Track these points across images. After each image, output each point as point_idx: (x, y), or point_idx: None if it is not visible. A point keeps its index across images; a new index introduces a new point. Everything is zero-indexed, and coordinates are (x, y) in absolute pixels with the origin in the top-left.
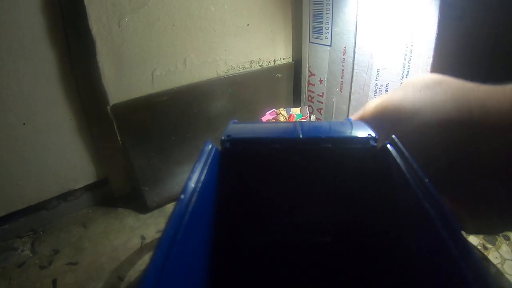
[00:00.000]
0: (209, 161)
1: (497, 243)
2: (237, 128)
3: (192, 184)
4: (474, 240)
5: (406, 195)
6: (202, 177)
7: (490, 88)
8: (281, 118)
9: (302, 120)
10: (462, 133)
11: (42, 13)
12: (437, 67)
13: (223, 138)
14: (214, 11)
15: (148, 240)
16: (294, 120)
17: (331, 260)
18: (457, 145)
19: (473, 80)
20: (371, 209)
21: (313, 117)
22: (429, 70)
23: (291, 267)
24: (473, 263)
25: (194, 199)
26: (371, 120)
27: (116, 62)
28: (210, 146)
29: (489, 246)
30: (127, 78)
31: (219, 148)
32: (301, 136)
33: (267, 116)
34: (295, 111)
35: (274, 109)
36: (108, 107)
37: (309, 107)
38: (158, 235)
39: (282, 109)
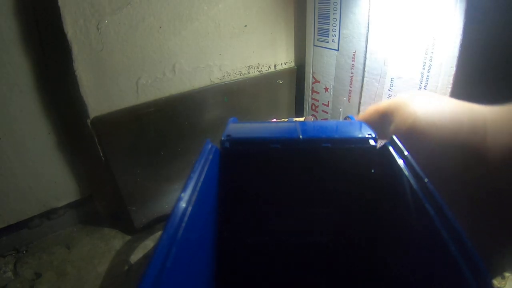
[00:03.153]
0: (209, 161)
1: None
2: (237, 128)
3: (192, 184)
4: None
5: (406, 195)
6: (202, 177)
7: (507, 111)
8: None
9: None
10: (474, 155)
11: (13, 17)
12: (460, 80)
13: (223, 138)
14: (207, 11)
15: (134, 267)
16: None
17: (330, 259)
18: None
19: (502, 94)
20: (370, 209)
21: None
22: (451, 82)
23: (290, 267)
24: (473, 263)
25: (194, 199)
26: (378, 119)
27: (95, 70)
28: (210, 146)
29: (507, 274)
30: (108, 88)
31: (219, 148)
32: (301, 136)
33: None
34: (298, 120)
35: (274, 119)
36: (88, 120)
37: (313, 117)
38: (145, 261)
39: (282, 119)
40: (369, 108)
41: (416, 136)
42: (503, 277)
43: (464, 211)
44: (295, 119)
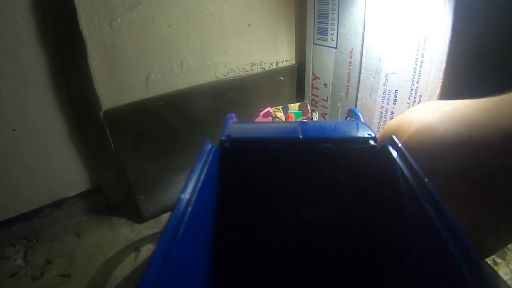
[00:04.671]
0: (209, 161)
1: (507, 257)
2: (237, 128)
3: (192, 184)
4: None
5: (406, 195)
6: (202, 177)
7: (490, 104)
8: (278, 115)
9: (303, 119)
10: (462, 153)
11: (30, 14)
12: (450, 74)
13: (223, 138)
14: (213, 11)
15: (142, 253)
16: (292, 120)
17: (330, 259)
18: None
19: (489, 87)
20: (370, 209)
21: (315, 115)
22: (442, 76)
23: (290, 267)
24: (473, 263)
25: (194, 199)
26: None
27: (108, 65)
28: (210, 146)
29: (499, 260)
30: (120, 82)
31: (219, 148)
32: (300, 136)
33: (261, 118)
34: (294, 108)
35: (269, 108)
36: (101, 113)
37: (313, 112)
38: (152, 248)
39: (277, 109)
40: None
41: (411, 151)
42: (496, 263)
43: (463, 206)
44: (290, 106)
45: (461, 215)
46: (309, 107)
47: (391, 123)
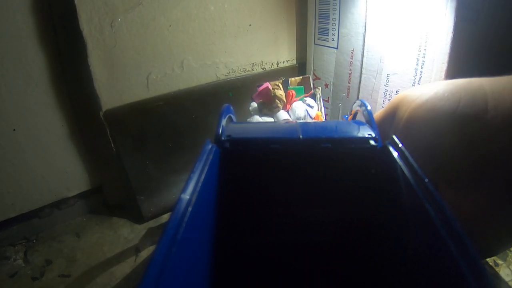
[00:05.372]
0: (209, 161)
1: (508, 258)
2: (237, 128)
3: (192, 184)
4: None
5: (406, 195)
6: (202, 177)
7: (507, 79)
8: (278, 94)
9: (306, 96)
10: (476, 125)
11: (30, 14)
12: (451, 74)
13: (223, 138)
14: (214, 11)
15: (142, 253)
16: (293, 98)
17: (331, 259)
18: (470, 138)
19: None
20: (370, 209)
21: (318, 91)
22: (443, 77)
23: (291, 267)
24: (473, 263)
25: (194, 199)
26: (387, 114)
27: (108, 65)
28: (210, 146)
29: (500, 262)
30: (120, 82)
31: (219, 148)
32: (301, 136)
33: (258, 94)
34: (295, 83)
35: (267, 84)
36: (101, 113)
37: (316, 89)
38: (152, 248)
39: (276, 86)
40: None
41: (417, 121)
42: (497, 265)
43: (469, 188)
44: (291, 80)
45: (466, 197)
46: (311, 82)
47: (399, 94)
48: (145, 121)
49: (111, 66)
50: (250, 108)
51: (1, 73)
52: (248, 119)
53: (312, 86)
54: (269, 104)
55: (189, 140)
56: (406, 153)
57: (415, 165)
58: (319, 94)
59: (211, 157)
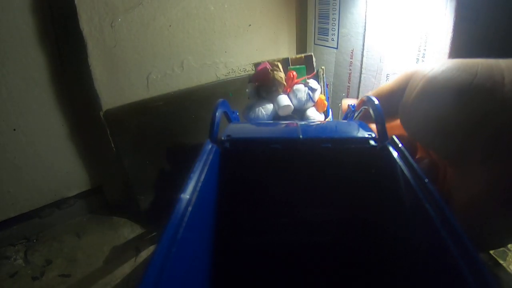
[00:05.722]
0: (209, 161)
1: (508, 258)
2: (237, 128)
3: (192, 184)
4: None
5: (406, 195)
6: (202, 177)
7: None
8: (277, 77)
9: (308, 77)
10: (492, 97)
11: (30, 14)
12: None
13: (223, 138)
14: (214, 11)
15: (142, 253)
16: (294, 80)
17: (331, 259)
18: (484, 113)
19: None
20: (370, 209)
21: (322, 71)
22: None
23: (291, 267)
24: (473, 263)
25: (194, 199)
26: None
27: (108, 65)
28: (210, 146)
29: (500, 261)
30: (120, 82)
31: (219, 148)
32: (301, 136)
33: (256, 78)
34: (296, 61)
35: (266, 63)
36: (101, 113)
37: (320, 68)
38: (152, 248)
39: (276, 67)
40: (379, 88)
41: (431, 91)
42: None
43: (482, 162)
44: (291, 59)
45: (478, 172)
46: (314, 62)
47: (410, 68)
48: (145, 121)
49: (111, 66)
50: (247, 90)
51: (1, 73)
52: (247, 105)
53: (314, 66)
54: (267, 87)
55: (189, 140)
56: (406, 153)
57: (415, 165)
58: (323, 74)
59: (211, 157)
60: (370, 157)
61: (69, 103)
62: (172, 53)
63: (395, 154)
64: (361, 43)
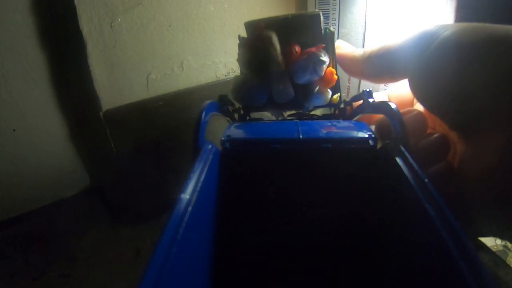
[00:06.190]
0: (209, 161)
1: (508, 258)
2: (237, 128)
3: (192, 184)
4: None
5: (406, 195)
6: (202, 177)
7: None
8: (272, 54)
9: (316, 50)
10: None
11: (30, 14)
12: None
13: (223, 138)
14: (214, 11)
15: (142, 253)
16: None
17: (331, 259)
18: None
19: None
20: (370, 209)
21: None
22: None
23: (291, 267)
24: (473, 263)
25: (194, 199)
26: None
27: (108, 66)
28: (210, 146)
29: (500, 261)
30: (120, 82)
31: (219, 148)
32: (301, 136)
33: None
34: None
35: (261, 23)
36: (101, 113)
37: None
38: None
39: (270, 33)
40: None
41: (449, 52)
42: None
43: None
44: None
45: (495, 143)
46: (321, 22)
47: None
48: (145, 121)
49: (111, 66)
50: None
51: (1, 73)
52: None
53: (322, 30)
54: (258, 65)
55: (188, 140)
56: (406, 153)
57: (415, 165)
58: (333, 40)
59: (211, 157)
60: (370, 157)
61: (69, 103)
62: (171, 53)
63: (395, 154)
64: (361, 43)
